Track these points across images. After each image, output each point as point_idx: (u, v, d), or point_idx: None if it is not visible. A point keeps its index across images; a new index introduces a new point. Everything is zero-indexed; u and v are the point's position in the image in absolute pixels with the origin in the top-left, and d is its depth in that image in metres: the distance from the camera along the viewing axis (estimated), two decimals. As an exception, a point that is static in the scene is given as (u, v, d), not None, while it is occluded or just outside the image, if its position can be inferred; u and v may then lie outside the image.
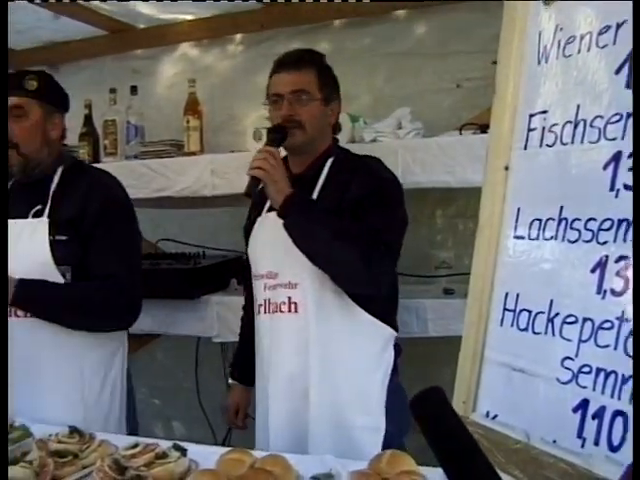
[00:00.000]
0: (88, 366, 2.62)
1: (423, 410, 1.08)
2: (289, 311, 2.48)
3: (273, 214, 2.46)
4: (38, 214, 2.59)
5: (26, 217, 2.60)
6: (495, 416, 1.42)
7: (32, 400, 2.49)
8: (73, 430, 2.13)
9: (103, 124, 3.79)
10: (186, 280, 3.46)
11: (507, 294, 1.43)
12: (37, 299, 2.53)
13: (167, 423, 4.52)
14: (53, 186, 2.65)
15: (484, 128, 2.89)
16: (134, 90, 3.75)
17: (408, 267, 3.43)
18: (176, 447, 1.99)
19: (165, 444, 2.03)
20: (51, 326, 2.53)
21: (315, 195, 2.51)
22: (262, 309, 2.56)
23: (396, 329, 2.55)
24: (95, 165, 3.55)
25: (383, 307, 2.51)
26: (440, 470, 1.54)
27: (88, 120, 3.86)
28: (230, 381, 3.03)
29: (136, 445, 1.99)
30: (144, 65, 4.25)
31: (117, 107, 3.79)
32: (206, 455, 2.03)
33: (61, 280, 2.53)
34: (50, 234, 2.54)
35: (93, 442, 2.11)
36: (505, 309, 1.42)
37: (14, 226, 2.57)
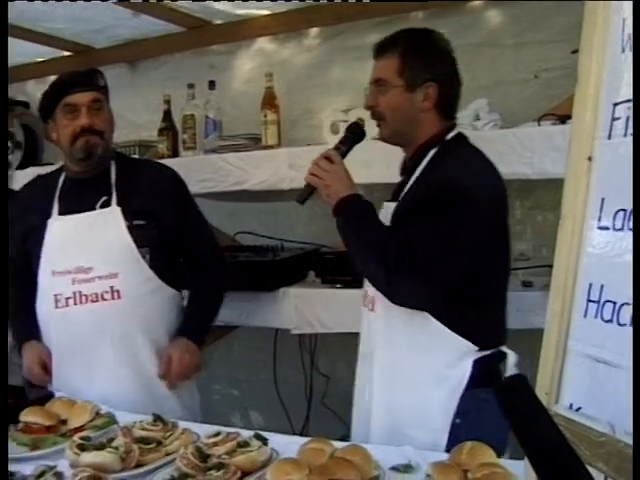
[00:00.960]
0: (169, 339, 2.84)
1: (508, 398, 1.08)
2: (371, 309, 2.39)
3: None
4: (105, 204, 2.75)
5: (93, 209, 2.76)
6: (579, 408, 1.40)
7: (135, 373, 2.77)
8: (156, 418, 2.19)
9: (182, 119, 3.85)
10: (264, 272, 3.50)
11: (591, 285, 1.41)
12: (203, 333, 2.95)
13: (245, 413, 4.58)
14: (113, 178, 2.81)
15: (563, 119, 2.85)
16: (212, 85, 3.80)
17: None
18: (257, 436, 2.03)
19: (246, 433, 2.07)
20: (138, 306, 2.75)
21: (403, 193, 2.34)
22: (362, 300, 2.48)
23: (479, 343, 2.26)
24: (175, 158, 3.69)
25: (461, 319, 2.24)
26: (520, 463, 1.54)
27: (167, 115, 3.93)
28: None
29: (218, 434, 2.03)
30: (221, 60, 4.30)
31: (195, 102, 3.84)
32: (286, 445, 2.06)
33: (142, 262, 2.75)
34: (126, 220, 2.72)
35: (176, 430, 2.16)
36: (589, 300, 1.40)
37: (84, 219, 2.76)
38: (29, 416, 2.28)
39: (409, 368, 2.29)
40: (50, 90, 2.87)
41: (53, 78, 4.81)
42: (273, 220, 4.22)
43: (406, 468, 1.93)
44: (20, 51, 4.57)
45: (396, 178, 2.52)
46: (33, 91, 5.05)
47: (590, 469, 1.16)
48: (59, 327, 2.76)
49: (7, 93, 2.72)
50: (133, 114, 4.59)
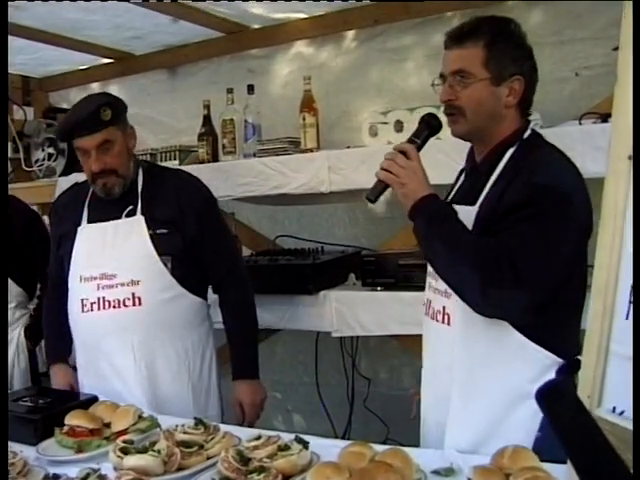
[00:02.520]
0: (190, 346, 2.90)
1: (550, 401, 1.07)
2: (443, 322, 2.20)
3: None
4: (131, 214, 2.82)
5: (119, 218, 2.83)
6: (622, 412, 1.38)
7: (150, 383, 2.82)
8: (198, 422, 2.20)
9: (221, 123, 3.86)
10: (305, 275, 3.50)
11: (632, 286, 1.39)
12: (256, 359, 3.00)
13: (287, 416, 4.59)
14: (140, 187, 2.86)
15: (605, 117, 2.81)
16: (251, 89, 3.81)
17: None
18: (298, 440, 2.02)
19: (287, 437, 2.07)
20: (158, 313, 2.79)
21: (483, 194, 2.14)
22: (425, 309, 2.34)
23: (563, 355, 2.08)
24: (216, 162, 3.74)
25: (545, 330, 2.08)
26: (563, 467, 1.52)
27: (207, 120, 3.95)
28: None
29: (259, 437, 2.04)
30: (259, 64, 4.32)
31: (234, 106, 3.86)
32: (327, 448, 2.05)
33: (164, 270, 2.79)
34: (149, 229, 2.78)
35: (217, 434, 2.17)
36: (630, 302, 1.38)
37: (108, 227, 2.84)
38: (73, 419, 2.31)
39: (489, 385, 2.13)
40: (60, 134, 3.03)
41: (95, 85, 4.94)
42: (313, 223, 4.23)
43: (447, 471, 1.92)
44: (62, 59, 4.66)
45: (445, 179, 2.47)
46: (75, 99, 5.07)
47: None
48: (85, 330, 2.87)
49: (7, 93, 2.77)
50: (173, 119, 4.65)
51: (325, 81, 4.01)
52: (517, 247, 1.97)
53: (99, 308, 2.78)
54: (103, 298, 2.77)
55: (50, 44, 4.30)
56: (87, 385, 2.89)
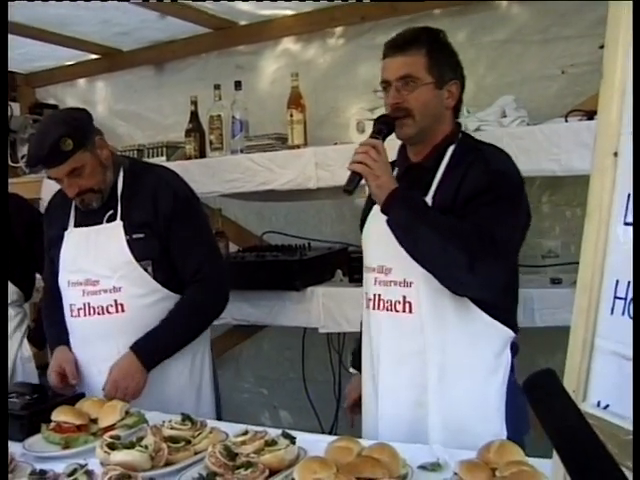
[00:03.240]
0: None
1: (536, 392, 1.07)
2: (404, 311, 2.32)
3: None
4: (111, 218, 2.80)
5: (100, 223, 2.81)
6: (607, 406, 1.39)
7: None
8: (185, 417, 2.20)
9: (209, 120, 3.86)
10: (292, 272, 3.51)
11: (617, 282, 1.39)
12: (160, 353, 2.78)
13: (274, 412, 4.59)
14: (119, 191, 2.83)
15: (591, 115, 2.83)
16: (238, 85, 3.80)
17: (514, 257, 3.38)
18: (285, 435, 2.04)
19: (274, 432, 2.08)
20: (142, 319, 2.75)
21: (433, 187, 2.30)
22: (372, 304, 2.44)
23: (515, 329, 2.33)
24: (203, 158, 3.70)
25: (503, 307, 2.31)
26: (548, 462, 1.53)
27: (194, 116, 3.95)
28: (352, 370, 2.86)
29: (246, 432, 2.05)
30: (247, 61, 4.32)
31: (222, 103, 3.86)
32: (314, 443, 2.07)
33: (144, 275, 2.75)
34: (126, 234, 2.75)
35: (204, 429, 2.18)
36: (616, 297, 1.39)
37: (91, 232, 2.82)
38: (60, 415, 2.31)
39: (462, 364, 2.28)
40: (28, 167, 3.16)
41: (82, 81, 4.92)
42: (300, 219, 4.23)
43: (434, 466, 1.93)
44: (49, 55, 4.64)
45: None
46: (62, 94, 5.10)
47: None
48: (75, 335, 2.87)
49: (7, 92, 2.76)
50: (160, 115, 4.64)
51: (313, 78, 4.01)
52: (492, 226, 2.15)
53: (85, 314, 2.79)
54: (88, 304, 2.78)
55: (37, 39, 4.27)
56: (85, 388, 2.83)
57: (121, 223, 2.77)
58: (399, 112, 2.32)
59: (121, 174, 2.87)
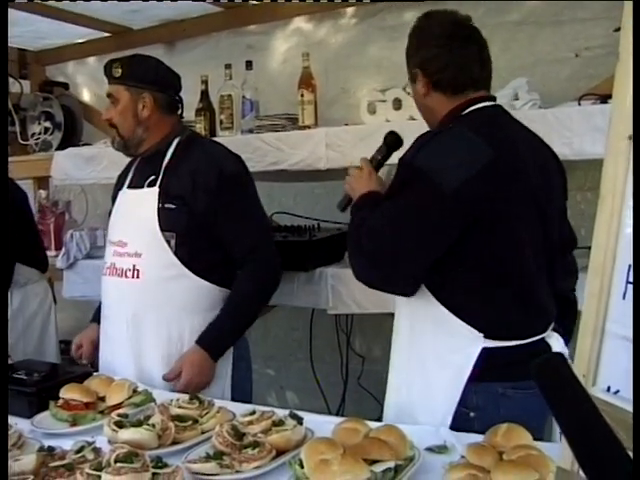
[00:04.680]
0: (189, 330, 2.78)
1: (545, 376, 1.06)
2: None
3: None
4: (152, 184, 2.80)
5: (142, 187, 2.83)
6: (617, 391, 1.38)
7: (137, 360, 2.78)
8: (193, 396, 2.21)
9: (219, 99, 3.84)
10: (301, 252, 3.49)
11: (630, 266, 1.38)
12: (226, 341, 2.80)
13: (281, 393, 4.61)
14: (167, 158, 2.83)
15: (604, 98, 2.80)
16: (249, 65, 3.78)
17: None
18: (292, 415, 2.03)
19: (281, 412, 2.08)
20: (155, 290, 2.75)
21: None
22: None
23: (486, 330, 2.16)
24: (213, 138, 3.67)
25: (465, 306, 2.18)
26: (556, 445, 1.53)
27: (204, 95, 3.93)
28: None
29: (253, 412, 2.04)
30: (258, 40, 4.30)
31: (232, 82, 3.83)
32: (321, 424, 2.07)
33: (165, 246, 2.73)
34: (159, 202, 2.74)
35: (212, 408, 2.17)
36: (628, 282, 1.38)
37: (130, 195, 2.88)
38: (68, 393, 2.31)
39: (419, 351, 2.29)
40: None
41: (92, 59, 4.92)
42: (310, 200, 4.22)
43: (441, 449, 1.94)
44: (59, 33, 4.63)
45: None
46: (73, 72, 5.10)
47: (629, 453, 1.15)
48: (102, 294, 2.93)
49: (7, 91, 2.82)
50: (171, 94, 4.61)
51: (324, 58, 3.99)
52: (369, 218, 2.21)
53: (109, 274, 2.84)
54: (114, 265, 2.82)
55: (47, 17, 4.27)
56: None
57: (157, 190, 2.77)
58: None
59: (173, 144, 2.87)
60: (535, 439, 1.84)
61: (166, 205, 2.74)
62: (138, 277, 2.75)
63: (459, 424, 2.13)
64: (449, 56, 2.29)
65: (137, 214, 2.82)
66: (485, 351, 2.16)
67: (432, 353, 2.25)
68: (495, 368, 2.15)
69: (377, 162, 2.49)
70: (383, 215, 2.18)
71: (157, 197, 2.75)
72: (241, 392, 2.85)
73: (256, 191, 2.97)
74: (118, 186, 3.03)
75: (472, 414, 2.16)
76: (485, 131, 2.18)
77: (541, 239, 2.27)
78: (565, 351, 2.22)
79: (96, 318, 3.04)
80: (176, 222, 2.74)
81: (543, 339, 2.25)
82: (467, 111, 2.27)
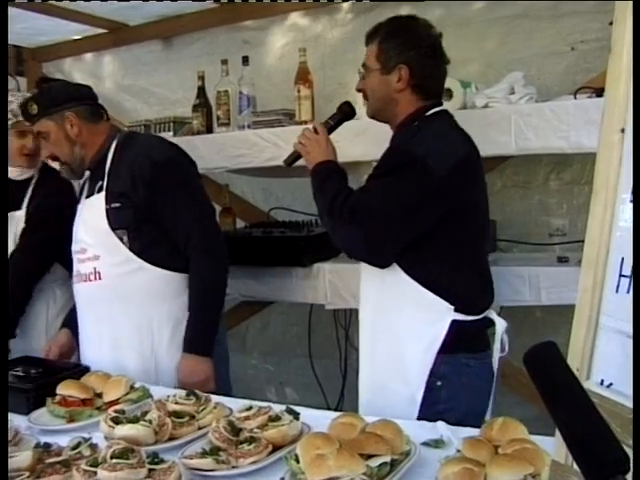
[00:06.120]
0: (157, 319, 2.84)
1: (537, 365, 1.07)
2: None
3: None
4: (100, 189, 2.86)
5: (93, 194, 2.90)
6: (610, 384, 1.38)
7: (114, 352, 2.84)
8: (190, 392, 2.21)
9: (216, 95, 3.84)
10: (298, 248, 3.50)
11: (623, 260, 1.38)
12: (207, 333, 2.83)
13: (280, 388, 4.61)
14: (108, 162, 2.88)
15: (600, 92, 2.79)
16: (245, 61, 3.78)
17: (521, 234, 3.38)
18: (289, 411, 2.04)
19: (278, 408, 2.08)
20: (117, 287, 2.81)
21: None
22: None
23: (455, 303, 2.39)
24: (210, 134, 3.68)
25: (434, 277, 2.40)
26: (551, 439, 1.53)
27: (201, 91, 3.93)
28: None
29: (250, 408, 2.04)
30: (254, 36, 4.29)
31: (229, 78, 3.83)
32: (318, 419, 2.06)
33: (119, 244, 2.79)
34: (107, 203, 2.81)
35: (209, 404, 2.18)
36: (621, 275, 1.38)
37: (84, 205, 2.95)
38: (65, 389, 2.32)
39: (388, 324, 2.48)
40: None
41: (89, 56, 4.91)
42: (307, 195, 4.18)
43: (437, 443, 1.94)
44: (56, 29, 4.62)
45: None
46: (69, 69, 5.09)
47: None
48: (75, 300, 3.01)
49: (7, 90, 2.89)
50: (167, 90, 4.63)
51: (321, 53, 3.99)
52: (359, 193, 2.42)
53: (77, 281, 2.92)
54: (79, 271, 2.89)
55: (43, 13, 4.26)
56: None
57: (104, 193, 2.82)
58: (363, 96, 2.69)
59: (112, 147, 2.90)
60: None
61: (112, 205, 2.80)
62: (100, 278, 2.82)
63: (427, 392, 2.39)
64: (435, 67, 2.55)
65: (90, 220, 2.88)
66: (453, 324, 2.40)
67: (406, 326, 2.43)
68: (461, 340, 2.40)
69: (330, 126, 2.72)
70: (376, 193, 2.37)
71: (104, 199, 2.81)
72: (218, 375, 2.85)
73: (195, 178, 2.98)
74: (77, 199, 3.10)
75: (439, 383, 2.40)
76: (458, 129, 2.51)
77: (486, 228, 2.65)
78: (504, 324, 2.51)
79: (65, 324, 3.15)
80: (124, 219, 2.79)
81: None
82: (430, 112, 2.52)
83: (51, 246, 3.27)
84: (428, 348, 2.40)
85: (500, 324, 2.50)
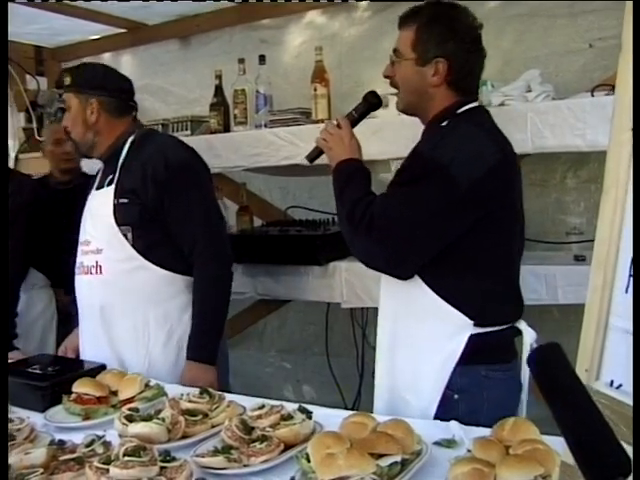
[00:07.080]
0: (153, 319, 2.84)
1: (540, 366, 1.06)
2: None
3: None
4: (110, 183, 2.87)
5: (103, 187, 2.91)
6: (620, 385, 1.38)
7: (110, 347, 2.85)
8: (203, 391, 2.21)
9: (233, 94, 3.84)
10: (315, 246, 3.50)
11: (633, 260, 1.38)
12: (211, 341, 2.81)
13: (297, 386, 4.61)
14: (122, 156, 2.89)
15: (618, 90, 2.78)
16: (262, 60, 3.78)
17: (538, 233, 3.36)
18: (301, 409, 2.04)
19: (291, 406, 2.08)
20: (118, 283, 2.81)
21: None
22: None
23: (475, 317, 2.23)
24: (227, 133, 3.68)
25: (454, 291, 2.24)
26: (562, 440, 1.52)
27: (218, 90, 3.94)
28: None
29: (262, 406, 2.05)
30: (271, 34, 4.31)
31: (246, 77, 3.83)
32: (331, 418, 2.06)
33: (123, 240, 2.79)
34: (115, 198, 2.81)
35: (222, 403, 2.18)
36: (630, 275, 1.37)
37: (94, 196, 2.96)
38: (81, 387, 2.33)
39: (407, 335, 2.34)
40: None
41: (108, 55, 4.94)
42: (324, 194, 4.20)
43: (449, 443, 1.93)
44: (75, 29, 4.66)
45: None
46: (88, 68, 5.11)
47: (629, 447, 1.14)
48: (76, 292, 3.00)
49: (7, 89, 2.93)
50: (185, 90, 4.65)
51: (337, 51, 3.99)
52: (381, 203, 2.23)
53: (79, 273, 2.92)
54: (82, 263, 2.90)
55: (62, 14, 4.29)
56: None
57: (113, 187, 2.83)
58: (391, 85, 2.45)
59: (128, 142, 2.92)
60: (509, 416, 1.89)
61: (120, 200, 2.80)
62: (101, 272, 2.82)
63: (444, 406, 2.24)
64: (475, 63, 2.36)
65: (97, 213, 2.89)
66: (472, 336, 2.24)
67: (425, 338, 2.30)
68: (480, 352, 2.24)
69: (354, 119, 2.51)
70: (398, 201, 2.21)
71: (113, 194, 2.82)
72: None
73: (207, 183, 2.96)
74: (89, 190, 3.07)
75: (456, 396, 2.26)
76: (490, 131, 2.30)
77: (520, 232, 2.42)
78: (533, 334, 2.32)
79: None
80: (130, 215, 2.79)
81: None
82: (462, 110, 2.32)
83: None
84: (445, 362, 2.25)
85: (529, 334, 2.31)
